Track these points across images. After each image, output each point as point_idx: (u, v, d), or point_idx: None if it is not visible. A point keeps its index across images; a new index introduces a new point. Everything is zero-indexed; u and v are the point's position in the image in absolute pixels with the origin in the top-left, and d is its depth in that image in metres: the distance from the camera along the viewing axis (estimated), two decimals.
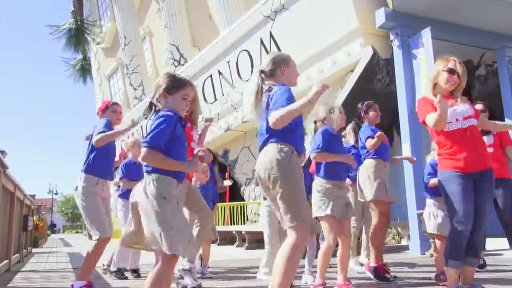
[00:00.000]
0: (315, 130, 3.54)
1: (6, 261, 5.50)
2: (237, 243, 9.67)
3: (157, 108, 2.33)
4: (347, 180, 4.29)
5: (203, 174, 4.60)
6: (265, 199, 3.81)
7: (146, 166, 2.21)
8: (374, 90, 7.48)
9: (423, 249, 6.14)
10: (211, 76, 10.69)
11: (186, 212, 3.79)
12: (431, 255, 5.50)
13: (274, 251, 4.05)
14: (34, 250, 10.83)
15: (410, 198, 6.39)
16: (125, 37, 16.20)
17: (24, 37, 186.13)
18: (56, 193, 51.87)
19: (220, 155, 11.41)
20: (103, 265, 4.81)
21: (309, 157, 3.63)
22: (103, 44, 20.04)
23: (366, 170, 3.94)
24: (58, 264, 6.90)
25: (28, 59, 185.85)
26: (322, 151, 3.27)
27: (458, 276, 2.89)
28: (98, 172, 3.44)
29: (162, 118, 2.19)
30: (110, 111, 3.62)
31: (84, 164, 3.46)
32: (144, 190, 2.15)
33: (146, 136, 2.16)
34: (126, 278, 4.39)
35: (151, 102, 2.35)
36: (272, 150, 2.37)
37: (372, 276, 3.80)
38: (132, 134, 14.63)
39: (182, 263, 3.74)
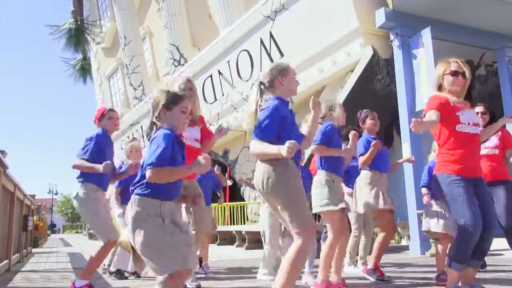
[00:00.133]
0: None
1: (6, 261, 5.50)
2: (237, 243, 9.68)
3: (158, 126, 2.27)
4: (347, 189, 4.30)
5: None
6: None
7: (132, 186, 2.16)
8: (374, 90, 7.48)
9: (423, 249, 6.14)
10: (211, 76, 10.69)
11: (184, 213, 3.79)
12: (431, 255, 5.51)
13: (275, 252, 4.05)
14: (34, 250, 10.82)
15: (410, 198, 6.39)
16: (125, 37, 16.20)
17: (24, 37, 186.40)
18: (56, 193, 51.94)
19: (220, 155, 11.41)
20: (104, 264, 4.81)
21: (309, 157, 3.63)
22: (103, 44, 20.05)
23: (362, 181, 3.97)
24: (58, 264, 6.90)
25: (28, 59, 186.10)
26: (321, 144, 3.24)
27: (459, 276, 2.89)
28: (95, 181, 3.40)
29: (162, 137, 2.13)
30: (107, 118, 3.56)
31: (81, 172, 3.42)
32: (127, 217, 2.14)
33: (149, 158, 2.07)
34: (126, 278, 4.38)
35: (152, 121, 2.33)
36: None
37: (371, 278, 3.79)
38: (132, 134, 14.64)
39: None
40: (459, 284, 2.86)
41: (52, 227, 41.60)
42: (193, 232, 3.59)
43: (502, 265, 4.68)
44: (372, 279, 3.77)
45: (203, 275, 4.43)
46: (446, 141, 2.93)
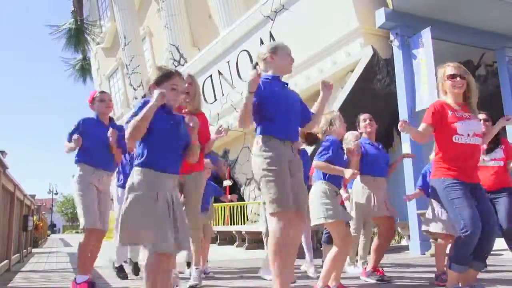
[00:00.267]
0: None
1: (6, 261, 5.50)
2: (237, 243, 9.67)
3: None
4: (345, 194, 4.26)
5: (205, 170, 4.59)
6: None
7: None
8: (374, 90, 7.48)
9: (423, 249, 6.14)
10: (211, 76, 10.69)
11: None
12: (431, 255, 5.51)
13: None
14: (34, 250, 10.82)
15: None
16: (125, 37, 16.19)
17: (24, 37, 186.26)
18: (56, 193, 51.92)
19: (220, 155, 11.41)
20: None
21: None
22: (103, 44, 20.03)
23: (355, 185, 4.00)
24: (58, 264, 6.90)
25: (28, 59, 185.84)
26: (327, 161, 3.15)
27: (458, 277, 2.89)
28: (91, 161, 3.42)
29: (137, 105, 2.27)
30: (98, 101, 3.57)
31: (77, 153, 3.48)
32: None
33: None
34: (126, 277, 4.38)
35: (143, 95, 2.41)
36: (253, 145, 2.62)
37: (371, 280, 3.79)
38: None
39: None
40: (459, 284, 2.86)
41: (52, 227, 41.60)
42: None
43: (502, 265, 4.68)
44: (372, 280, 3.77)
45: (203, 275, 4.43)
46: (442, 150, 2.94)
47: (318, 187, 3.17)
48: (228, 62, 10.01)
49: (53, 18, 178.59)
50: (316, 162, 3.20)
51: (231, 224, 10.83)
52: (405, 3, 6.70)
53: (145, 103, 2.23)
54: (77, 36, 20.25)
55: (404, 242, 7.64)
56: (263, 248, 4.26)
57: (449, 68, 2.96)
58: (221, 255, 7.73)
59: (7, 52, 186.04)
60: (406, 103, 6.63)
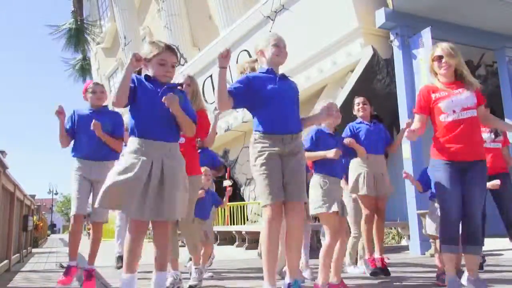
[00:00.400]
0: None
1: (6, 261, 5.50)
2: (237, 243, 9.67)
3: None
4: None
5: (205, 178, 4.58)
6: None
7: None
8: (374, 90, 7.48)
9: (423, 249, 6.14)
10: (211, 76, 10.69)
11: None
12: (431, 255, 5.51)
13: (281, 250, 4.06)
14: (34, 250, 10.82)
15: (410, 198, 6.39)
16: (125, 37, 16.20)
17: (24, 37, 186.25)
18: (56, 193, 51.97)
19: (220, 155, 11.41)
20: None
21: None
22: (103, 44, 20.04)
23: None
24: (58, 264, 6.89)
25: (28, 59, 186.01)
26: (306, 150, 3.15)
27: (454, 264, 2.91)
28: (81, 152, 3.52)
29: None
30: (89, 92, 3.63)
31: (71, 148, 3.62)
32: None
33: None
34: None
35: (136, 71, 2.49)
36: None
37: (364, 269, 3.87)
38: None
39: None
40: (454, 275, 2.86)
41: (52, 227, 41.63)
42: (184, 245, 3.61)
43: (502, 265, 4.68)
44: (364, 270, 3.82)
45: (207, 275, 4.42)
46: (435, 130, 3.01)
47: (312, 179, 3.27)
48: None
49: (53, 18, 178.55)
50: None
51: (231, 224, 10.82)
52: (405, 3, 6.70)
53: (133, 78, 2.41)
54: (77, 36, 20.25)
55: (404, 242, 7.64)
56: None
57: (437, 50, 3.03)
58: (221, 255, 7.72)
59: (7, 52, 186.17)
60: (406, 103, 6.63)
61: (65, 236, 31.79)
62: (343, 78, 7.65)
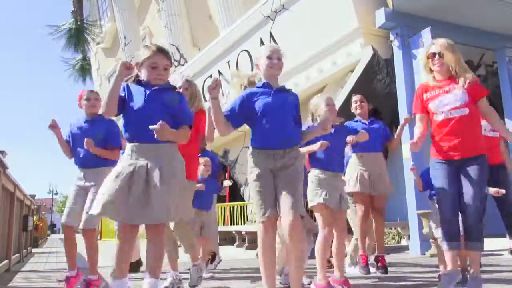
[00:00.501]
0: None
1: (6, 261, 5.50)
2: (237, 243, 9.67)
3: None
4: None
5: (205, 168, 4.58)
6: None
7: None
8: (374, 91, 7.48)
9: (423, 249, 6.14)
10: (211, 76, 10.69)
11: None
12: (431, 255, 5.51)
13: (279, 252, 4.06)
14: (34, 250, 10.83)
15: (410, 198, 6.39)
16: (125, 37, 16.19)
17: (24, 37, 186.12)
18: (56, 193, 52.05)
19: (220, 155, 11.41)
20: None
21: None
22: (103, 44, 20.03)
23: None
24: (58, 264, 6.90)
25: (28, 59, 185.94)
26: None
27: (455, 260, 2.92)
28: (76, 162, 3.58)
29: None
30: (83, 100, 3.63)
31: None
32: None
33: None
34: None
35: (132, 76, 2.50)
36: None
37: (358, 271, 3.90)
38: None
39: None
40: (454, 273, 2.87)
41: (52, 227, 41.66)
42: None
43: (502, 265, 4.67)
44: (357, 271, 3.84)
45: (210, 273, 4.42)
46: (431, 129, 3.05)
47: (309, 175, 3.32)
48: (228, 62, 10.01)
49: (53, 18, 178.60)
50: None
51: (231, 224, 10.83)
52: (405, 3, 6.69)
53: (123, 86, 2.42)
54: (77, 36, 20.24)
55: (404, 242, 7.64)
56: None
57: (431, 47, 3.06)
58: (221, 255, 7.72)
59: (7, 52, 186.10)
60: (406, 103, 6.63)
61: None
62: (343, 78, 7.65)
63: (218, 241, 10.61)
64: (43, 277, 4.96)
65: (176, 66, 13.10)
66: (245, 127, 2.78)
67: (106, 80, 20.23)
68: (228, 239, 10.56)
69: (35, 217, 10.97)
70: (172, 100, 2.40)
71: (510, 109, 7.42)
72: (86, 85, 23.08)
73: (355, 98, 4.23)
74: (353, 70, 7.35)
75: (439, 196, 2.97)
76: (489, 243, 5.13)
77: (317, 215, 3.21)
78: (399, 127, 4.05)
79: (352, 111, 4.25)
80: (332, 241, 3.26)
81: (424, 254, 6.05)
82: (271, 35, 8.69)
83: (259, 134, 2.63)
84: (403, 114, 6.69)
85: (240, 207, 10.76)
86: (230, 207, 11.04)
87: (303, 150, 3.13)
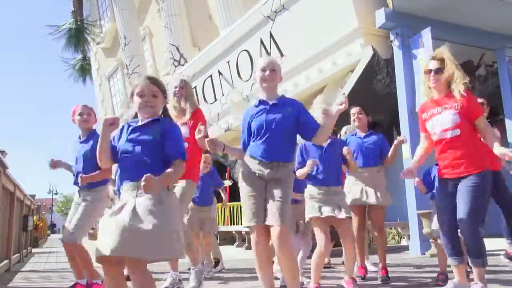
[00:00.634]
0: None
1: (6, 261, 5.51)
2: (237, 243, 9.67)
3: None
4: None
5: (204, 165, 4.61)
6: None
7: None
8: (374, 91, 7.48)
9: (423, 249, 6.14)
10: (211, 76, 10.69)
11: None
12: (431, 255, 5.51)
13: None
14: (34, 250, 10.83)
15: (410, 198, 6.39)
16: (125, 37, 16.18)
17: (24, 37, 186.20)
18: (56, 193, 51.95)
19: (220, 155, 11.41)
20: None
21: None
22: (103, 44, 20.02)
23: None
24: (58, 264, 6.90)
25: (28, 59, 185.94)
26: (297, 169, 3.39)
27: (461, 273, 2.94)
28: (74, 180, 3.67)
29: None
30: (76, 115, 3.65)
31: None
32: None
33: None
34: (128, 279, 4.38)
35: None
36: None
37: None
38: None
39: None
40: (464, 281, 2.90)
41: (52, 227, 41.67)
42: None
43: (502, 265, 4.68)
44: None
45: (212, 273, 4.42)
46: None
47: (305, 191, 3.50)
48: (228, 62, 10.01)
49: (53, 18, 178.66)
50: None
51: (231, 224, 10.83)
52: (405, 3, 6.70)
53: (122, 131, 2.33)
54: (77, 36, 20.21)
55: (404, 242, 7.64)
56: None
57: (430, 63, 3.02)
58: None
59: (7, 52, 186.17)
60: (406, 103, 6.63)
61: None
62: (343, 78, 7.64)
63: (218, 241, 10.65)
64: (43, 277, 4.96)
65: (176, 66, 13.11)
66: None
67: (106, 80, 20.24)
68: (228, 239, 10.55)
69: (35, 217, 10.97)
70: (154, 133, 2.25)
71: (510, 109, 7.41)
72: (86, 85, 23.14)
73: (353, 110, 4.14)
74: (353, 70, 7.35)
75: (437, 211, 3.09)
76: (489, 243, 5.13)
77: (314, 228, 3.35)
78: (393, 147, 4.04)
79: (351, 123, 4.21)
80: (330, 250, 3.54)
81: (424, 254, 6.06)
82: (271, 35, 8.68)
83: (254, 145, 2.72)
84: (403, 114, 6.69)
85: (240, 207, 10.75)
86: (230, 207, 11.03)
87: (299, 173, 3.35)
